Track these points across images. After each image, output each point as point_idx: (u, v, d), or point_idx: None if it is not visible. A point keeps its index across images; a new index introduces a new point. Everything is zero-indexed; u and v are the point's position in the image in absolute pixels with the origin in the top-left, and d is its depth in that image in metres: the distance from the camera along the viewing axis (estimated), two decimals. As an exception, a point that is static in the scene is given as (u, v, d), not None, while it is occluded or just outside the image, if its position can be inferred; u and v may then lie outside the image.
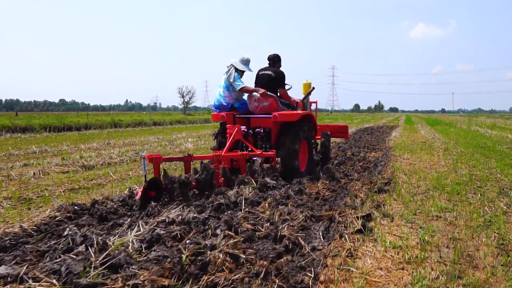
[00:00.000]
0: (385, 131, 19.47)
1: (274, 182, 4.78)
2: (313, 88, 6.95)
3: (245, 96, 6.06)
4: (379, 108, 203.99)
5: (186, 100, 68.80)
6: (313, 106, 7.36)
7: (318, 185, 5.05)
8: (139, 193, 3.95)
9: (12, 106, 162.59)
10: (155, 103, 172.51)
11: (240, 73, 5.83)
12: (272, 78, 5.94)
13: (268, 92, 5.73)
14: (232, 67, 5.77)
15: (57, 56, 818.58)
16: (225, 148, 5.10)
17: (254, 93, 5.82)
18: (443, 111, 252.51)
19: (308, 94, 6.89)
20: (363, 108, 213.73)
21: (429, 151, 9.69)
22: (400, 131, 18.79)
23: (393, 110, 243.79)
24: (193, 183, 4.21)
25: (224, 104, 5.91)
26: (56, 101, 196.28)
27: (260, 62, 7.42)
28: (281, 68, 6.24)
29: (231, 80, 5.72)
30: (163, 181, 4.04)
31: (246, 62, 5.85)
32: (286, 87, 6.30)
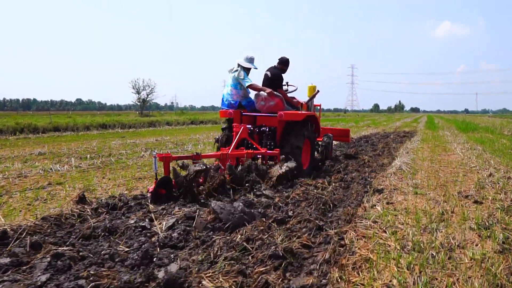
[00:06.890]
0: (390, 145, 11.16)
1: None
2: (318, 91, 7.04)
3: (252, 95, 6.20)
4: (399, 108, 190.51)
5: (142, 98, 52.35)
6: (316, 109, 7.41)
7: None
8: (150, 190, 4.10)
9: (29, 105, 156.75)
10: (172, 102, 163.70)
11: (247, 71, 6.03)
12: (269, 78, 6.19)
13: (275, 92, 5.89)
14: (240, 66, 5.98)
15: (76, 55, 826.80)
16: (232, 146, 5.15)
17: (261, 92, 5.96)
18: (466, 111, 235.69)
19: (312, 97, 7.04)
20: (383, 108, 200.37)
21: None
22: (416, 147, 10.51)
23: (415, 110, 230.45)
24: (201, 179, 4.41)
25: (232, 102, 6.06)
26: (73, 100, 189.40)
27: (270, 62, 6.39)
28: (288, 70, 6.40)
29: (241, 77, 5.91)
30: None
31: (250, 60, 6.06)
32: (292, 88, 6.65)
